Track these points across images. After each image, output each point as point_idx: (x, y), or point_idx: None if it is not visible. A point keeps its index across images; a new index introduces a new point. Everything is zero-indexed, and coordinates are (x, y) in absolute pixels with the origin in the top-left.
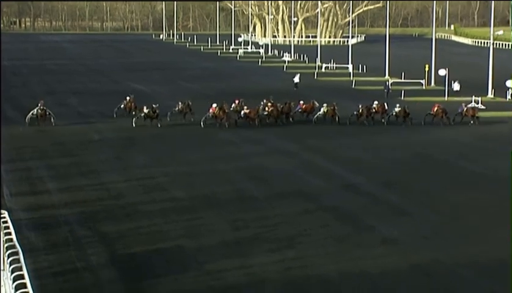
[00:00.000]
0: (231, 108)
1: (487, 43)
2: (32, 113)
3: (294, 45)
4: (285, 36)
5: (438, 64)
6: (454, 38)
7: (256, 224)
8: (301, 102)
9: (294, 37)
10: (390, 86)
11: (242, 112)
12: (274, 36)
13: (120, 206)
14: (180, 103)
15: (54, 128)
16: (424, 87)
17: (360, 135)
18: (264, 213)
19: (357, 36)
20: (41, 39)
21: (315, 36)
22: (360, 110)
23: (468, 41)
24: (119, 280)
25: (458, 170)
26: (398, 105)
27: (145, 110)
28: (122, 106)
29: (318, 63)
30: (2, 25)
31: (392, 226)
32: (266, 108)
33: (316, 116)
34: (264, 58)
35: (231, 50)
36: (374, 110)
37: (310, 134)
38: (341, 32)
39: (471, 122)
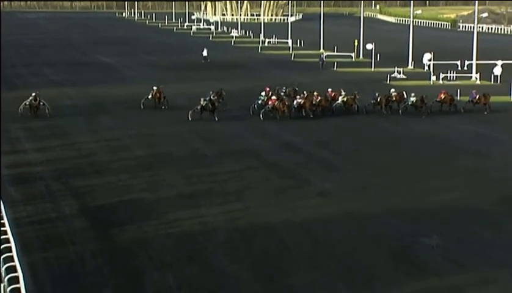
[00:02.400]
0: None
1: (407, 20)
2: (25, 103)
3: (240, 22)
4: (232, 15)
5: (365, 39)
6: (380, 16)
7: (208, 180)
8: (329, 90)
9: (240, 15)
10: (324, 59)
11: (296, 102)
12: (223, 15)
13: (90, 164)
14: (212, 92)
15: (27, 93)
16: (353, 59)
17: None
18: (214, 169)
19: (296, 14)
20: (18, 17)
21: (259, 15)
22: (378, 99)
23: (391, 19)
24: (89, 228)
25: (385, 131)
26: (413, 94)
27: (202, 102)
28: (150, 97)
29: (262, 38)
30: None
31: (326, 180)
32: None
33: (334, 105)
34: (214, 34)
35: (185, 27)
36: (393, 99)
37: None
38: (281, 10)
39: (486, 112)
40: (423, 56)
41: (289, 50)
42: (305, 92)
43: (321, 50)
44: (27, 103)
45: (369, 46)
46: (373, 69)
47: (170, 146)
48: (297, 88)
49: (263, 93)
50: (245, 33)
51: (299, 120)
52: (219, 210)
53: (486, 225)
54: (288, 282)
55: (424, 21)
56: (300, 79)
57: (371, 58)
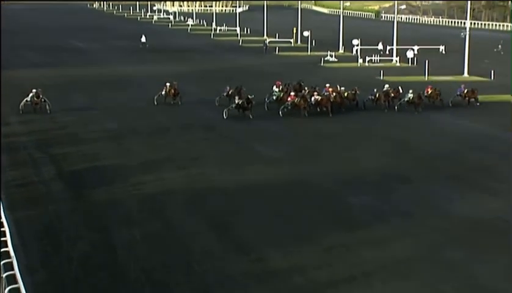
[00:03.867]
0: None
1: (338, 11)
2: (26, 100)
3: (195, 12)
4: (189, 6)
5: (303, 27)
6: (315, 8)
7: (168, 148)
8: (327, 85)
9: (195, 6)
10: (267, 44)
11: (313, 99)
12: (180, 6)
13: (65, 134)
14: (228, 87)
15: (12, 74)
16: (292, 44)
17: None
18: (175, 139)
19: (243, 6)
20: (5, 8)
21: (211, 6)
22: (377, 95)
23: (325, 10)
24: (65, 189)
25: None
26: (411, 90)
27: (237, 101)
28: (163, 93)
29: (214, 26)
30: None
31: (272, 149)
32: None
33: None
34: (173, 23)
35: (148, 17)
36: (392, 95)
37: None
38: (231, 2)
39: (477, 104)
40: (351, 41)
41: (238, 36)
42: (306, 88)
43: (265, 36)
44: (28, 99)
45: (305, 33)
46: (309, 53)
47: (136, 120)
48: (302, 83)
49: (275, 88)
50: (200, 22)
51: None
52: (178, 174)
53: (407, 186)
54: (238, 234)
55: (352, 12)
56: (247, 62)
57: (308, 44)
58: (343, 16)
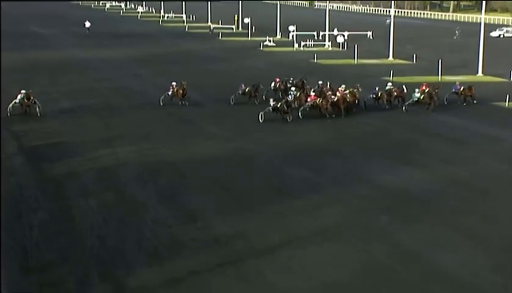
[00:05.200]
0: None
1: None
2: (15, 102)
3: (145, 0)
4: None
5: (244, 14)
6: None
7: (123, 126)
8: (322, 82)
9: None
10: (212, 30)
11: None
12: None
13: (26, 113)
14: (243, 85)
15: None
16: (234, 30)
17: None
18: (128, 118)
19: None
20: None
21: None
22: (379, 94)
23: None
24: (26, 164)
25: None
26: (417, 90)
27: (272, 103)
28: (169, 93)
29: (162, 13)
30: None
31: (216, 127)
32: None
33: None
34: (124, 10)
35: (101, 4)
36: (395, 94)
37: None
38: None
39: (475, 102)
40: (288, 28)
41: (184, 23)
42: (309, 86)
43: (209, 23)
44: (17, 101)
45: (246, 20)
46: (249, 38)
47: (92, 99)
48: (305, 80)
49: (293, 88)
50: (149, 9)
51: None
52: (131, 149)
53: (339, 160)
54: (184, 204)
55: (288, 1)
56: (193, 47)
57: (248, 30)
58: (280, 4)
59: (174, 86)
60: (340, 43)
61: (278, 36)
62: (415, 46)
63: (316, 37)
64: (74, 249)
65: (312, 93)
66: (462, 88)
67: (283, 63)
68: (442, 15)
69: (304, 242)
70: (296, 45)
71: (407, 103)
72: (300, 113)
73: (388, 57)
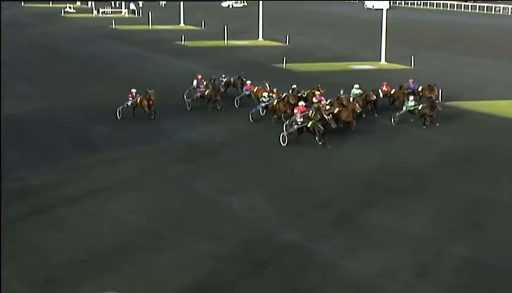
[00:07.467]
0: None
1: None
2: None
3: None
4: None
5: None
6: None
7: None
8: (248, 82)
9: None
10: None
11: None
12: None
13: None
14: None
15: None
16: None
17: None
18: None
19: None
20: None
21: None
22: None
23: None
24: None
25: None
26: (411, 98)
27: (298, 120)
28: (129, 103)
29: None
30: None
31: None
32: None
33: None
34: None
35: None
36: (373, 99)
37: None
38: None
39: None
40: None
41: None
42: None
43: None
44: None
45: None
46: (50, 4)
47: None
48: (244, 78)
49: (265, 94)
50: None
51: None
52: None
53: (145, 121)
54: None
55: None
56: None
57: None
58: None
59: (134, 93)
60: (134, 10)
61: (78, 3)
62: (205, 13)
63: (113, 5)
64: None
65: (301, 103)
66: (421, 89)
67: (84, 28)
68: None
69: (110, 191)
70: (95, 12)
71: (398, 113)
72: (285, 135)
73: (179, 23)
